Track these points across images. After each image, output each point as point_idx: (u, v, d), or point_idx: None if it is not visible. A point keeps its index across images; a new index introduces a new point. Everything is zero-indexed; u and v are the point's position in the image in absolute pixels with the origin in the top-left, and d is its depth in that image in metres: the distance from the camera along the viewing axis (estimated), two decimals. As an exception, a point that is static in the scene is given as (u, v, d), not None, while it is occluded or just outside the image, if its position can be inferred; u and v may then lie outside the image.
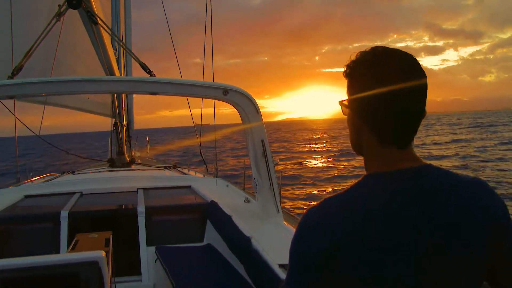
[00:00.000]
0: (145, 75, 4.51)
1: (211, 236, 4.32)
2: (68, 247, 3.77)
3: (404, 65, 1.08)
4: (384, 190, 1.06)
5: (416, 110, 1.09)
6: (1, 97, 3.68)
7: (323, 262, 1.04)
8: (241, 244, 3.41)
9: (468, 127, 70.63)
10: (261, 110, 3.93)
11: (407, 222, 1.03)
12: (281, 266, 2.79)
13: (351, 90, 1.15)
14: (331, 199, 1.11)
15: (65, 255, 2.59)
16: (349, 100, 1.17)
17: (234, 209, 4.14)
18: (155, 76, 4.36)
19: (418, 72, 1.09)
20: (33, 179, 7.49)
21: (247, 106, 3.87)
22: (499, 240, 1.09)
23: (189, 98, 8.19)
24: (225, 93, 3.78)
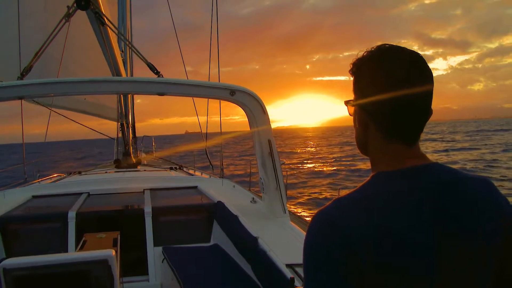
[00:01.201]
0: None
1: (218, 236, 4.33)
2: (76, 247, 3.79)
3: (410, 61, 1.09)
4: (393, 189, 1.06)
5: (422, 106, 1.10)
6: (11, 97, 3.70)
7: (335, 262, 1.03)
8: (248, 244, 3.42)
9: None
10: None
11: (417, 221, 1.03)
12: (288, 266, 2.79)
13: (357, 87, 1.15)
14: (341, 199, 1.10)
15: (77, 254, 2.61)
16: (355, 97, 1.17)
17: (241, 210, 4.15)
18: (162, 76, 4.37)
19: (424, 68, 1.10)
20: (40, 179, 7.53)
21: (254, 106, 3.87)
22: (508, 236, 1.10)
23: (196, 104, 8.26)
24: (232, 94, 3.79)
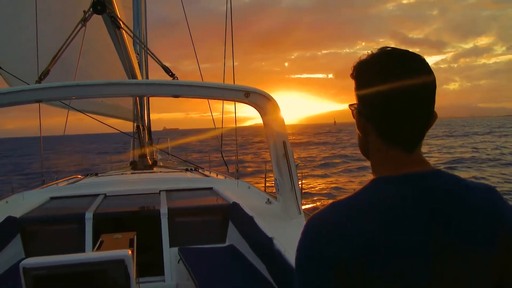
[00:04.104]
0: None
1: (233, 237, 4.35)
2: (93, 247, 3.85)
3: (410, 66, 1.07)
4: (392, 195, 1.05)
5: (422, 112, 1.08)
6: (29, 101, 3.76)
7: (323, 267, 1.03)
8: (263, 244, 3.43)
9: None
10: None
11: (416, 228, 1.02)
12: None
13: (358, 91, 1.15)
14: (337, 204, 1.09)
15: (94, 254, 2.65)
16: (356, 102, 1.16)
17: (256, 210, 4.16)
18: (177, 79, 4.41)
19: (425, 73, 1.07)
20: (58, 181, 7.63)
21: (268, 108, 3.87)
22: (510, 248, 1.08)
23: (210, 101, 8.31)
24: (247, 95, 3.80)
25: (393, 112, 1.06)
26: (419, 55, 1.09)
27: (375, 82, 1.07)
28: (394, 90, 1.04)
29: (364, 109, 1.13)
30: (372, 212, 1.03)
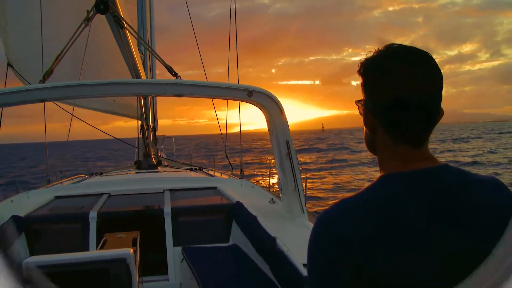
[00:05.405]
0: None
1: (237, 237, 4.35)
2: (96, 246, 3.85)
3: (418, 62, 1.07)
4: (397, 191, 1.05)
5: (429, 108, 1.07)
6: (33, 100, 3.78)
7: (340, 263, 1.03)
8: (266, 244, 3.43)
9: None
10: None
11: (423, 224, 1.01)
12: (305, 265, 2.79)
13: (364, 88, 1.14)
14: (347, 200, 1.10)
15: (96, 252, 2.66)
16: (364, 98, 1.16)
17: (260, 210, 4.16)
18: (180, 78, 4.41)
19: (432, 69, 1.07)
20: (63, 180, 7.66)
21: (271, 107, 3.87)
22: None
23: (215, 103, 8.31)
24: (250, 95, 3.79)
25: (400, 109, 1.06)
26: (425, 51, 1.09)
27: (383, 78, 1.07)
28: (401, 87, 1.04)
29: (371, 106, 1.13)
30: (376, 209, 1.03)
